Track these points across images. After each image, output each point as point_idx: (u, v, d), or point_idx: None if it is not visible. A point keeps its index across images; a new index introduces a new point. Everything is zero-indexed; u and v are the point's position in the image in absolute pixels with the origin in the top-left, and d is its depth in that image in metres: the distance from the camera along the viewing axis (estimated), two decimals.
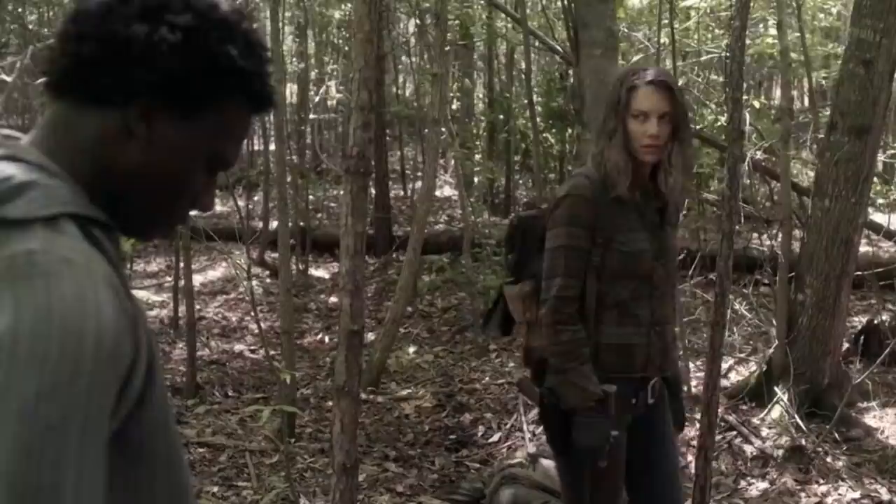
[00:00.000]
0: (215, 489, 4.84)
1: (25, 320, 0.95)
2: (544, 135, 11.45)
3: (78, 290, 0.99)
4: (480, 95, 16.25)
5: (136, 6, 1.12)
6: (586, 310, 2.73)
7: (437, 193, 14.29)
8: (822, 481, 4.65)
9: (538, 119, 11.30)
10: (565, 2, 5.80)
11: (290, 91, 14.90)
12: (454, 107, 14.50)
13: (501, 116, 12.58)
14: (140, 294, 6.27)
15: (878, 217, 10.67)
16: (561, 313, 2.72)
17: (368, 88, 2.35)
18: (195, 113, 1.16)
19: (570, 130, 10.71)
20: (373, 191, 11.94)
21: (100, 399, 0.99)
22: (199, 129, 1.17)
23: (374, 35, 2.40)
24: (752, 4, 8.10)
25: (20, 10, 12.88)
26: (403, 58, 15.11)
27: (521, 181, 13.58)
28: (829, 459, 4.88)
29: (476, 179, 13.34)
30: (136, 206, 1.19)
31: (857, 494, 4.52)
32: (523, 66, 13.63)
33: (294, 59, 15.42)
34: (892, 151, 9.14)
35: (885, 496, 4.53)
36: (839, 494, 4.52)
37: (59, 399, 0.94)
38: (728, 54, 4.82)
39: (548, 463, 4.57)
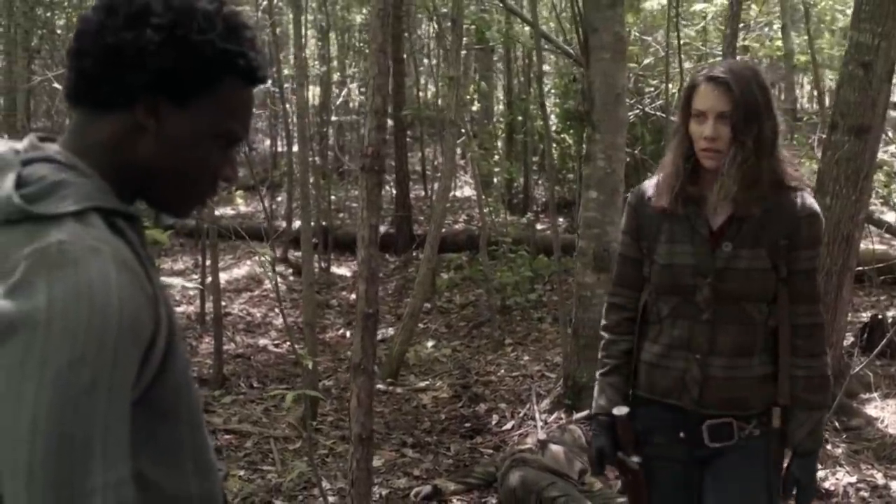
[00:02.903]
0: (241, 472, 5.10)
1: (58, 301, 1.10)
2: (562, 135, 11.67)
3: (102, 274, 1.13)
4: (501, 97, 16.46)
5: (121, 17, 1.24)
6: (639, 322, 2.59)
7: (458, 193, 14.54)
8: (820, 467, 4.84)
9: (557, 120, 11.53)
10: (576, 7, 6.00)
11: (313, 93, 15.18)
12: (474, 108, 14.74)
13: (520, 118, 12.80)
14: (175, 283, 6.54)
15: (889, 216, 10.81)
16: (605, 319, 2.65)
17: (382, 94, 2.61)
18: (193, 100, 1.28)
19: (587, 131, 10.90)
20: (394, 191, 12.20)
21: (123, 365, 1.15)
22: (201, 114, 1.29)
23: (388, 46, 2.64)
24: (759, 9, 8.33)
25: (49, 14, 13.17)
26: (424, 59, 15.34)
27: (539, 181, 13.78)
28: (828, 447, 5.07)
29: (495, 180, 13.57)
30: (165, 191, 1.34)
31: (853, 479, 4.71)
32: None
33: (316, 62, 15.70)
34: None
35: (881, 481, 4.72)
36: (836, 479, 4.72)
37: (88, 367, 1.10)
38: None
39: (556, 448, 4.80)
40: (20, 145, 1.28)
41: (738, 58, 9.31)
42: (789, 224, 2.40)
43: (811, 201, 2.43)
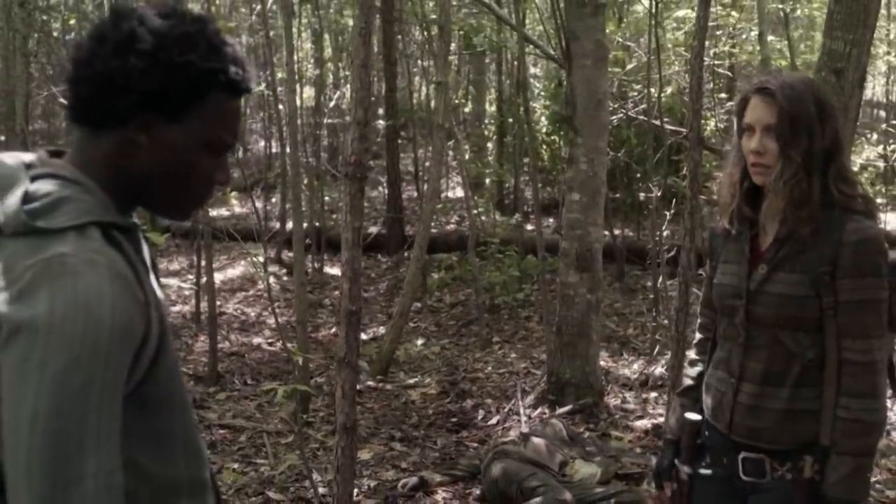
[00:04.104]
0: (235, 465, 5.28)
1: (57, 309, 1.22)
2: (552, 137, 11.85)
3: (98, 285, 1.26)
4: (493, 98, 16.65)
5: (110, 44, 1.35)
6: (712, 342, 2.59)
7: (451, 195, 14.72)
8: None
9: (546, 122, 11.72)
10: (558, 15, 6.19)
11: (307, 95, 15.35)
12: (467, 110, 14.92)
13: (510, 120, 12.98)
14: (171, 283, 6.73)
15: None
16: (695, 338, 2.66)
17: (364, 107, 2.81)
18: (182, 116, 1.39)
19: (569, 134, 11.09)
20: (386, 192, 12.37)
21: (114, 367, 1.27)
22: (190, 127, 1.40)
23: (370, 61, 2.83)
24: (738, 15, 8.53)
25: (45, 18, 13.30)
26: (418, 62, 15.51)
27: (528, 182, 13.99)
28: None
29: (486, 181, 13.74)
30: (162, 198, 1.47)
31: None
32: (530, 71, 14.03)
33: (310, 64, 15.86)
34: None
35: None
36: None
37: (83, 369, 1.23)
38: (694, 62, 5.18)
39: (538, 441, 4.99)
40: (30, 158, 1.42)
41: (735, 64, 9.51)
42: (833, 249, 2.20)
43: (865, 225, 2.20)
